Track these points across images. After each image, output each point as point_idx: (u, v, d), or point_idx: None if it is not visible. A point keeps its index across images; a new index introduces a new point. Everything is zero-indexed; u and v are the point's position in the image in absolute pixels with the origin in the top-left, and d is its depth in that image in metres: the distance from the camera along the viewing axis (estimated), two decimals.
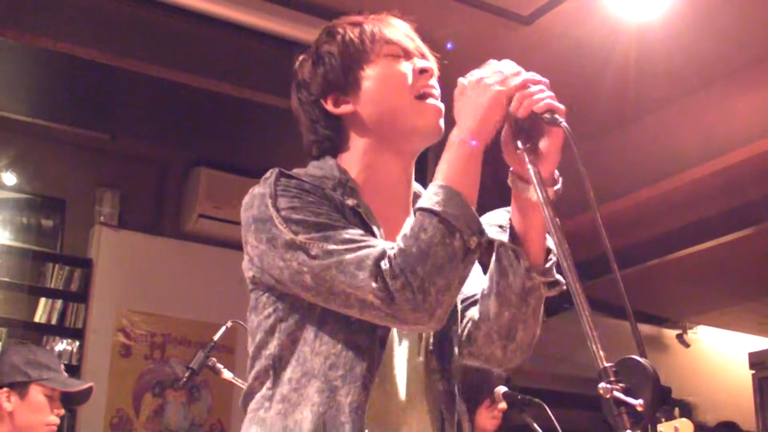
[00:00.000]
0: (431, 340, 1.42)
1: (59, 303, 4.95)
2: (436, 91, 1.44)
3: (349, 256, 1.23)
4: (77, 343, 4.92)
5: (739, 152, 4.49)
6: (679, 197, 4.86)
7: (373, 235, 1.33)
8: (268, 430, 1.29)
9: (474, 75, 1.36)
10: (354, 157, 1.44)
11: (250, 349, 1.38)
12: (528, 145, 1.32)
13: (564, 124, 1.27)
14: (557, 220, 1.22)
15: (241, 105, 4.56)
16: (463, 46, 3.72)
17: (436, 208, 1.23)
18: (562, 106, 1.30)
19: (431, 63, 1.47)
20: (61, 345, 4.93)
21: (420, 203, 1.26)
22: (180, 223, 5.44)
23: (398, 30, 1.47)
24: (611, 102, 4.49)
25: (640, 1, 3.84)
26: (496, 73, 1.34)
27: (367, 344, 1.30)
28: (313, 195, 1.32)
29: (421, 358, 1.40)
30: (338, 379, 1.28)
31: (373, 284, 1.20)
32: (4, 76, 4.69)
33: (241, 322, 3.00)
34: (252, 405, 1.34)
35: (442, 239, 1.21)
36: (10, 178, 5.16)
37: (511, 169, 1.38)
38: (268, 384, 1.32)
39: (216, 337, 2.97)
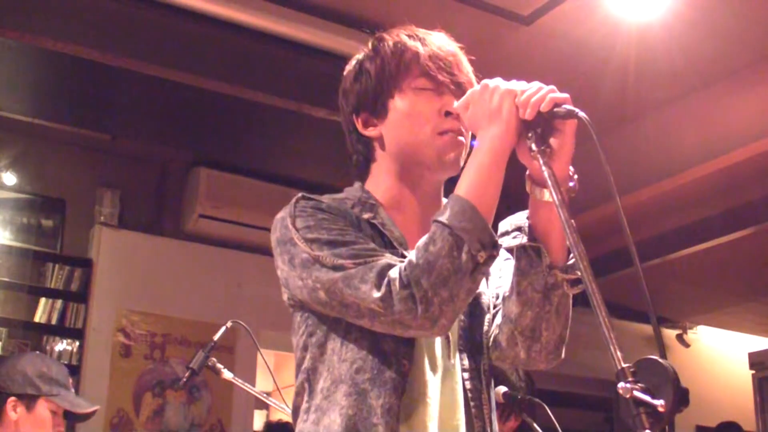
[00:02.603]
0: (462, 341, 1.43)
1: (59, 303, 4.94)
2: (462, 127, 1.45)
3: (353, 270, 1.28)
4: (77, 343, 4.92)
5: (739, 152, 4.48)
6: (679, 197, 4.86)
7: (391, 244, 1.39)
8: None
9: (475, 87, 1.37)
10: (379, 178, 1.49)
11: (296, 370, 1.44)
12: (542, 147, 1.31)
13: (581, 114, 1.26)
14: (573, 221, 1.22)
15: (241, 105, 4.56)
16: (463, 46, 3.72)
17: (448, 221, 1.25)
18: (565, 95, 1.30)
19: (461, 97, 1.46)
20: (61, 345, 4.93)
21: (435, 215, 1.28)
22: (180, 223, 5.43)
23: (439, 57, 1.46)
24: (611, 102, 4.49)
25: (640, 1, 3.84)
26: (497, 80, 1.35)
27: (393, 349, 1.33)
28: (328, 213, 1.37)
29: (453, 360, 1.41)
30: (366, 383, 1.31)
31: (375, 295, 1.25)
32: (4, 76, 4.68)
33: (241, 323, 3.00)
34: (298, 421, 1.39)
35: (449, 252, 1.23)
36: (10, 178, 5.16)
37: (528, 173, 1.39)
38: (306, 397, 1.38)
39: (216, 337, 2.96)
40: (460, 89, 1.46)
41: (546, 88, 1.30)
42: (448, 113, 1.43)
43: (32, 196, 5.20)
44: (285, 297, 1.44)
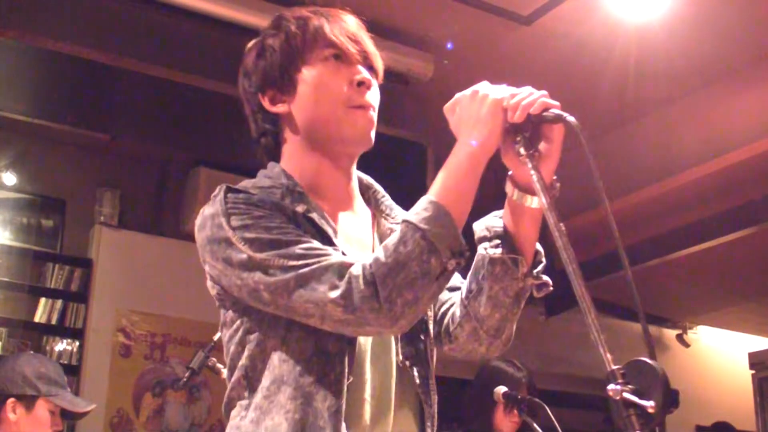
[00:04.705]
0: (403, 336, 1.42)
1: (59, 303, 4.94)
2: (372, 101, 1.44)
3: (305, 270, 1.24)
4: (77, 343, 4.92)
5: (739, 152, 4.49)
6: (679, 197, 4.86)
7: (327, 237, 1.34)
8: None
9: (465, 91, 1.36)
10: (293, 160, 1.46)
11: (226, 361, 1.40)
12: (531, 151, 1.31)
13: (570, 118, 1.26)
14: (561, 225, 1.22)
15: (241, 105, 4.55)
16: (462, 46, 3.72)
17: (422, 224, 1.23)
18: (556, 102, 1.29)
19: (372, 71, 1.46)
20: (61, 345, 4.93)
21: (407, 216, 1.26)
22: (180, 223, 5.43)
23: (344, 29, 1.45)
24: (611, 102, 4.50)
25: (640, 1, 3.84)
26: (487, 86, 1.34)
27: (336, 349, 1.31)
28: (263, 209, 1.33)
29: (394, 355, 1.41)
30: (311, 386, 1.29)
31: (332, 294, 1.22)
32: (4, 76, 4.69)
33: None
34: (232, 413, 1.36)
35: (419, 255, 1.21)
36: (10, 178, 5.16)
37: (510, 173, 1.38)
38: (245, 393, 1.34)
39: (216, 337, 2.96)
40: (367, 60, 1.45)
41: (537, 92, 1.30)
42: (360, 83, 1.42)
43: (32, 196, 5.21)
44: (213, 291, 1.41)
